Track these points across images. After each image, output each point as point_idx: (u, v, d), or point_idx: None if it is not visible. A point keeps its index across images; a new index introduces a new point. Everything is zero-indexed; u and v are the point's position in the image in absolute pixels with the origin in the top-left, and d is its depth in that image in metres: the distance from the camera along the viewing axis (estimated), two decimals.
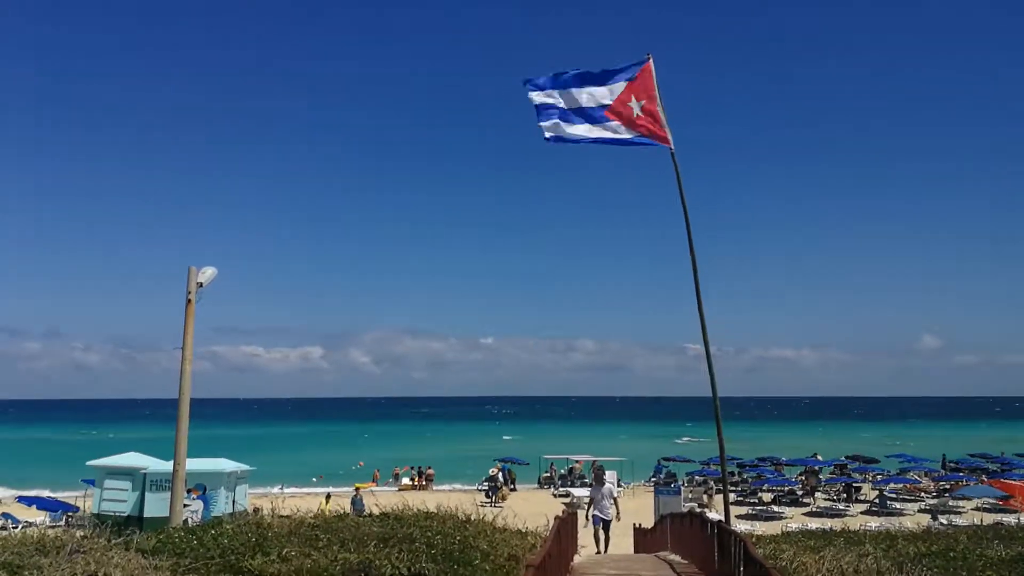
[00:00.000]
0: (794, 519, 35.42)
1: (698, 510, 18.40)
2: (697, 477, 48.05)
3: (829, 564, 10.54)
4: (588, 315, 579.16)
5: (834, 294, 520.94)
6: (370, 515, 14.07)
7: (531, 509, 25.70)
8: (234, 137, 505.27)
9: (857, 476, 48.66)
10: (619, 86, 12.94)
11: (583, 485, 42.23)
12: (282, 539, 10.67)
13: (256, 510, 19.17)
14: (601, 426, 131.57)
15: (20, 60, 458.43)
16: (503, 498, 41.60)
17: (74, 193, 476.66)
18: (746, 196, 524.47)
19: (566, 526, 11.60)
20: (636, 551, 21.37)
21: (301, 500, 27.05)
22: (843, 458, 58.13)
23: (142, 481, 26.28)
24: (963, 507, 39.49)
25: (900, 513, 37.86)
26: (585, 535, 17.44)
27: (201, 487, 26.03)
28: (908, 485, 46.30)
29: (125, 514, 25.68)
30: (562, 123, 12.92)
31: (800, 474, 49.61)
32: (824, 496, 44.07)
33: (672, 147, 12.99)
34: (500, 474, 47.31)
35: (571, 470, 51.03)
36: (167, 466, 22.87)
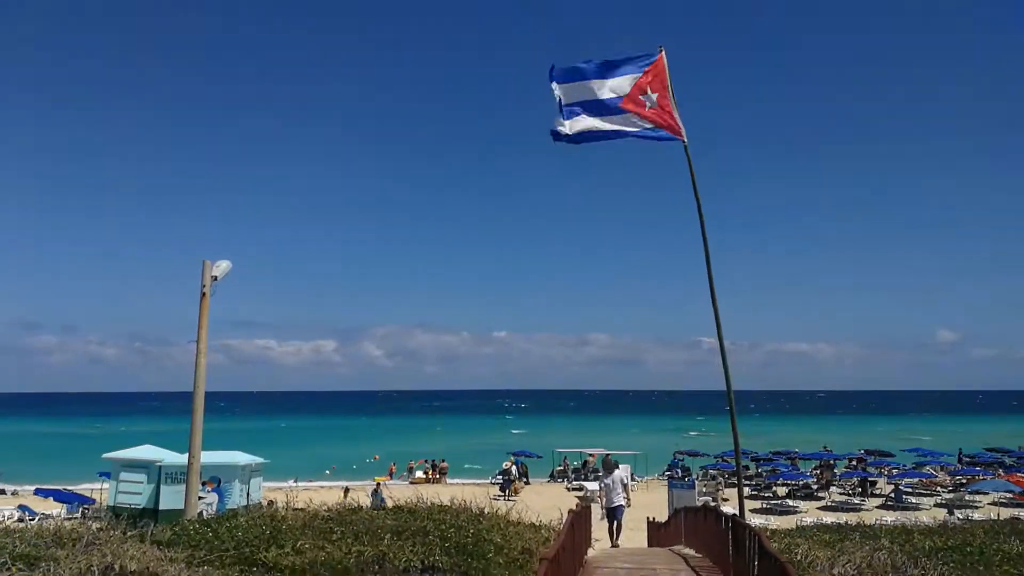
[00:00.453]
0: (809, 513, 35.24)
1: (712, 504, 18.34)
2: (711, 471, 47.86)
3: (844, 558, 10.48)
4: (601, 310, 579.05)
5: (850, 289, 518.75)
6: (384, 508, 14.10)
7: (544, 503, 25.67)
8: (243, 134, 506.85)
9: (872, 470, 48.37)
10: (633, 78, 12.84)
11: (596, 479, 42.12)
12: (296, 532, 10.70)
13: (270, 503, 19.27)
14: (613, 420, 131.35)
15: (21, 60, 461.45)
16: (516, 492, 41.61)
17: (83, 189, 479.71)
18: (761, 190, 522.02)
19: (580, 520, 11.57)
20: (650, 545, 21.31)
21: (315, 493, 27.20)
22: (859, 452, 57.83)
23: (157, 474, 26.43)
24: (979, 502, 39.20)
25: (916, 507, 37.60)
26: (599, 529, 17.39)
27: (216, 480, 26.17)
28: (924, 479, 45.95)
29: (140, 506, 25.84)
30: (578, 118, 12.83)
31: (815, 468, 49.37)
32: (839, 490, 43.84)
33: (685, 140, 12.89)
34: (513, 468, 47.31)
35: (585, 464, 50.97)
36: (182, 459, 23.00)
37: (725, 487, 42.83)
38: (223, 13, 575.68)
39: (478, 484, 46.07)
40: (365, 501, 19.89)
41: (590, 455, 51.64)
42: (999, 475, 45.43)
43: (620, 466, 17.10)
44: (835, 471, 48.25)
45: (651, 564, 12.18)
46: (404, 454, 61.75)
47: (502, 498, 36.66)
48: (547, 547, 9.23)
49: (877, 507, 37.85)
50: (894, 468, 49.98)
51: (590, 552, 13.55)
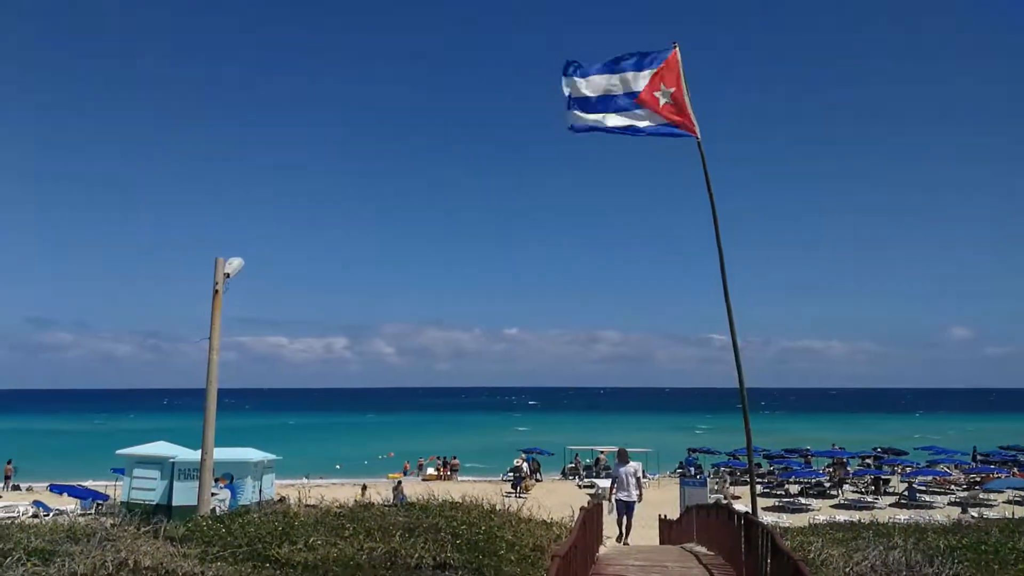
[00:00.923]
0: (822, 511, 35.08)
1: (724, 502, 18.27)
2: (723, 468, 47.73)
3: (858, 556, 10.42)
4: (611, 307, 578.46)
5: (862, 285, 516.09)
6: (395, 505, 14.13)
7: (556, 500, 25.68)
8: (253, 132, 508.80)
9: (886, 468, 48.13)
10: (648, 73, 12.80)
11: (608, 476, 42.03)
12: (308, 528, 10.73)
13: (282, 499, 19.34)
14: (624, 417, 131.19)
15: (23, 59, 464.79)
16: (527, 489, 41.61)
17: (95, 186, 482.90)
18: (774, 186, 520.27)
19: (591, 517, 11.54)
20: (661, 542, 21.27)
21: (326, 490, 27.26)
22: (876, 450, 57.59)
23: (170, 470, 26.55)
24: (994, 500, 38.93)
25: (929, 506, 37.39)
26: (610, 526, 17.36)
27: (228, 476, 26.28)
28: (938, 478, 45.67)
29: (154, 502, 25.98)
30: (591, 112, 12.81)
31: (828, 466, 49.15)
32: (852, 488, 43.64)
33: (699, 137, 12.83)
34: (524, 465, 47.28)
35: (596, 461, 50.88)
36: (195, 455, 23.11)
37: (735, 484, 42.76)
38: (223, 13, 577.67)
39: (489, 481, 46.12)
40: (378, 499, 19.92)
41: (601, 452, 51.56)
42: (1014, 473, 45.10)
43: (633, 464, 16.99)
44: (848, 469, 48.03)
45: (663, 561, 12.15)
46: (415, 451, 61.84)
47: (513, 495, 36.67)
48: (559, 544, 9.22)
49: (890, 505, 37.64)
50: (908, 466, 49.74)
51: (601, 549, 13.53)
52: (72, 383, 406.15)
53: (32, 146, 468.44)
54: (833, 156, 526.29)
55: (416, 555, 9.76)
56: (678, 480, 38.92)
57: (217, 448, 18.28)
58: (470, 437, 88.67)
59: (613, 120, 12.87)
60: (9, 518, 26.11)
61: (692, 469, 49.55)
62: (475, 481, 45.87)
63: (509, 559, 10.10)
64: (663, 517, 23.69)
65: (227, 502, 24.27)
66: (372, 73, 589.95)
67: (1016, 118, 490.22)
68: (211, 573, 8.68)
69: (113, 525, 10.60)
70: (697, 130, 12.84)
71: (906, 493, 39.67)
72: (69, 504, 32.90)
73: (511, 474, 46.19)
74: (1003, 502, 38.10)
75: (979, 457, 55.78)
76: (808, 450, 57.91)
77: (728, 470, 46.72)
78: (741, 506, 18.19)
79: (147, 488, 26.75)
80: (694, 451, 59.13)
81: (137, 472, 27.11)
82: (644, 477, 17.28)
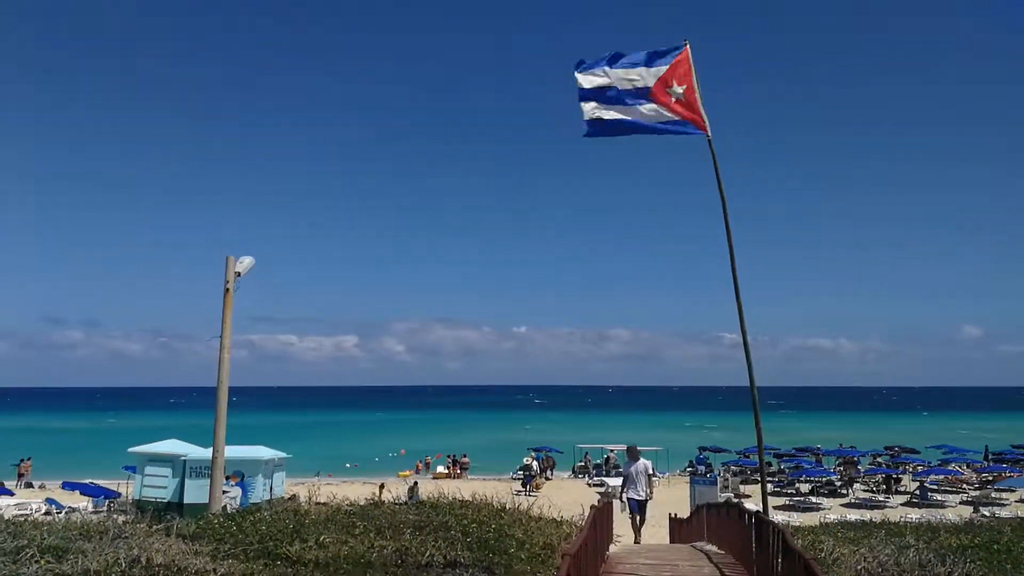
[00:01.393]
0: (832, 510, 34.96)
1: (735, 500, 18.20)
2: (733, 467, 47.59)
3: (870, 555, 10.38)
4: (621, 305, 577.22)
5: (872, 284, 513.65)
6: (406, 503, 14.15)
7: (566, 498, 25.69)
8: (262, 131, 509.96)
9: (897, 467, 47.90)
10: (659, 70, 12.79)
11: (618, 475, 41.93)
12: (319, 526, 10.76)
13: (293, 497, 19.38)
14: (634, 416, 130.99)
15: (25, 58, 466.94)
16: (537, 487, 41.62)
17: (107, 186, 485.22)
18: (784, 185, 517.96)
19: (602, 515, 11.53)
20: (672, 541, 21.24)
21: (337, 488, 27.28)
22: (893, 449, 57.36)
23: (182, 468, 26.68)
24: (1007, 499, 38.71)
25: (941, 505, 37.21)
26: (620, 525, 17.33)
27: (239, 474, 26.37)
28: (950, 476, 45.42)
29: (165, 500, 26.12)
30: (604, 108, 12.80)
31: (838, 465, 48.95)
32: (863, 487, 43.45)
33: (709, 134, 12.81)
34: (534, 463, 47.26)
35: (606, 460, 50.82)
36: (206, 453, 23.21)
37: (746, 483, 42.63)
38: (224, 12, 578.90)
39: (499, 480, 46.15)
40: (389, 497, 19.98)
41: (611, 451, 51.50)
42: None
43: (642, 462, 16.88)
44: (859, 468, 47.82)
45: (673, 560, 12.13)
46: (426, 449, 61.96)
47: (523, 493, 36.69)
48: (569, 542, 9.22)
49: (902, 504, 37.47)
50: (919, 465, 49.50)
51: (612, 548, 13.52)
52: (83, 381, 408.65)
53: (43, 145, 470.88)
54: (841, 155, 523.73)
55: (426, 553, 9.77)
56: (688, 479, 38.84)
57: (228, 446, 18.34)
58: (480, 435, 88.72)
59: (625, 116, 12.86)
60: (22, 515, 26.31)
61: (702, 468, 49.44)
62: (485, 479, 45.90)
63: (519, 557, 10.10)
64: (673, 516, 23.65)
65: (238, 500, 24.35)
66: (385, 73, 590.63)
67: None
68: (223, 570, 8.71)
69: (125, 522, 10.65)
70: (708, 127, 12.83)
71: (918, 492, 39.48)
72: (81, 502, 33.10)
73: (521, 472, 46.20)
74: (1015, 501, 37.90)
75: (991, 456, 55.44)
76: (819, 448, 57.68)
77: (738, 468, 46.59)
78: (752, 505, 18.14)
79: (159, 486, 26.89)
80: (704, 449, 58.99)
81: (149, 470, 27.25)
82: (655, 475, 17.11)
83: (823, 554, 10.59)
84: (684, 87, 12.72)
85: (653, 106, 12.77)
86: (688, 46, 12.95)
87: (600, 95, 12.82)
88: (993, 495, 39.51)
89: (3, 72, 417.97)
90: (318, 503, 12.96)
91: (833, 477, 44.18)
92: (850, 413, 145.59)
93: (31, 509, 30.60)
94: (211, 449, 17.54)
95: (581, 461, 52.35)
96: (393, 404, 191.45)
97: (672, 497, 34.38)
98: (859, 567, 10.07)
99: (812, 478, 43.25)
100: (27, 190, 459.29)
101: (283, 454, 29.53)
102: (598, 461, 51.53)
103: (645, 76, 12.81)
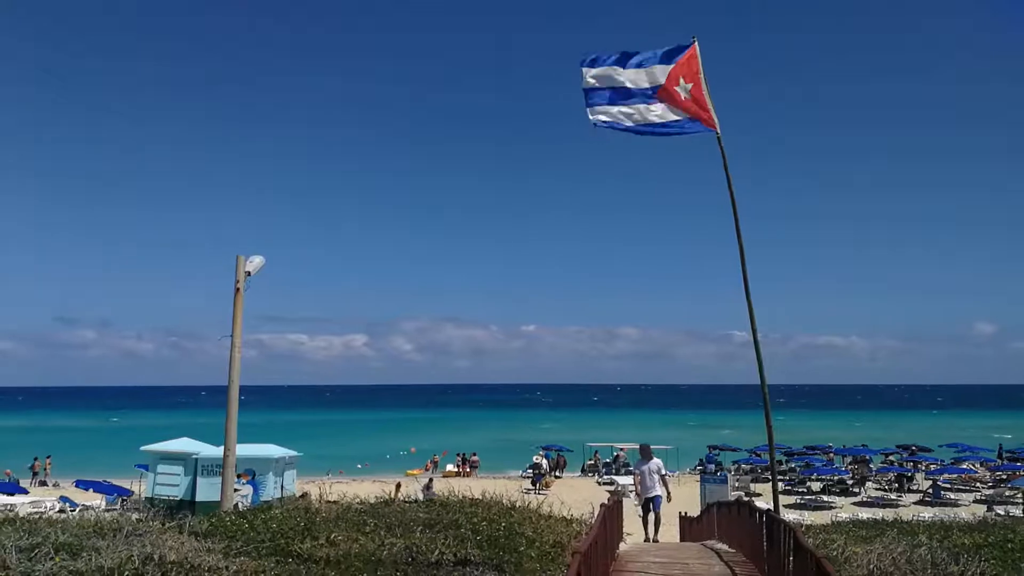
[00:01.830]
0: (844, 509, 34.82)
1: (745, 499, 18.15)
2: (743, 466, 47.47)
3: (882, 554, 10.33)
4: (630, 303, 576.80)
5: (884, 281, 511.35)
6: (416, 501, 14.19)
7: (576, 496, 25.70)
8: (269, 131, 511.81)
9: (909, 466, 47.65)
10: (668, 68, 12.77)
11: (627, 473, 41.90)
12: (330, 524, 10.81)
13: (304, 495, 19.46)
14: (643, 414, 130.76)
15: (48, 60, 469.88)
16: (547, 486, 41.61)
17: (118, 185, 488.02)
18: (795, 183, 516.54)
19: (612, 513, 11.53)
20: (682, 539, 21.23)
21: (347, 486, 27.36)
22: (895, 447, 57.04)
23: (194, 466, 26.82)
24: (1020, 498, 38.43)
25: (955, 503, 37.01)
26: (630, 523, 17.30)
27: (251, 472, 26.49)
28: (963, 475, 45.17)
29: (177, 498, 26.27)
30: (611, 106, 12.78)
31: (850, 463, 48.74)
32: (875, 486, 43.25)
33: (718, 131, 12.78)
34: (544, 461, 47.24)
35: (616, 458, 50.78)
36: (218, 452, 23.32)
37: (756, 482, 42.52)
38: (229, 13, 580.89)
39: (508, 478, 46.17)
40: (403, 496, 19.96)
41: (621, 449, 51.44)
42: None
43: (654, 461, 16.72)
44: (871, 466, 47.60)
45: (684, 559, 12.11)
46: (435, 448, 62.01)
47: (533, 492, 36.69)
48: (579, 540, 9.22)
49: (914, 503, 37.30)
50: (932, 463, 49.23)
51: (622, 546, 13.51)
52: (95, 380, 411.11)
53: (54, 145, 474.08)
54: (842, 156, 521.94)
55: (436, 551, 9.80)
56: (698, 477, 38.77)
57: (239, 444, 18.44)
58: (488, 434, 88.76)
59: (633, 113, 12.84)
60: (37, 513, 26.46)
61: (712, 466, 49.34)
62: (495, 478, 45.92)
63: (529, 555, 10.11)
64: (684, 514, 23.62)
65: (249, 498, 24.48)
66: (392, 72, 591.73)
67: None
68: (235, 568, 8.74)
69: (139, 520, 10.72)
70: (717, 124, 12.80)
71: (930, 491, 39.28)
72: (94, 500, 33.29)
73: (531, 471, 46.22)
74: None
75: (1005, 454, 55.04)
76: (830, 447, 57.42)
77: (749, 467, 46.45)
78: (763, 503, 18.09)
79: (171, 484, 27.06)
80: (715, 448, 58.84)
81: (161, 468, 27.42)
82: (667, 474, 17.01)
83: (835, 552, 10.55)
84: (692, 84, 12.71)
85: (661, 106, 12.74)
86: (696, 43, 12.93)
87: (607, 93, 12.80)
88: (1007, 493, 39.22)
89: (3, 72, 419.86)
90: (329, 501, 13.02)
91: (845, 476, 44.00)
92: (862, 411, 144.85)
93: (45, 507, 30.78)
94: (223, 447, 17.63)
95: (591, 459, 52.30)
96: (402, 403, 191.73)
97: (682, 496, 34.26)
98: (871, 566, 10.02)
99: (823, 476, 43.08)
100: (44, 190, 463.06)
101: (294, 452, 29.64)
102: (607, 459, 51.48)
103: (655, 74, 12.80)
